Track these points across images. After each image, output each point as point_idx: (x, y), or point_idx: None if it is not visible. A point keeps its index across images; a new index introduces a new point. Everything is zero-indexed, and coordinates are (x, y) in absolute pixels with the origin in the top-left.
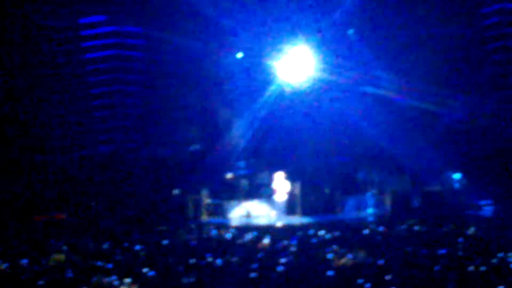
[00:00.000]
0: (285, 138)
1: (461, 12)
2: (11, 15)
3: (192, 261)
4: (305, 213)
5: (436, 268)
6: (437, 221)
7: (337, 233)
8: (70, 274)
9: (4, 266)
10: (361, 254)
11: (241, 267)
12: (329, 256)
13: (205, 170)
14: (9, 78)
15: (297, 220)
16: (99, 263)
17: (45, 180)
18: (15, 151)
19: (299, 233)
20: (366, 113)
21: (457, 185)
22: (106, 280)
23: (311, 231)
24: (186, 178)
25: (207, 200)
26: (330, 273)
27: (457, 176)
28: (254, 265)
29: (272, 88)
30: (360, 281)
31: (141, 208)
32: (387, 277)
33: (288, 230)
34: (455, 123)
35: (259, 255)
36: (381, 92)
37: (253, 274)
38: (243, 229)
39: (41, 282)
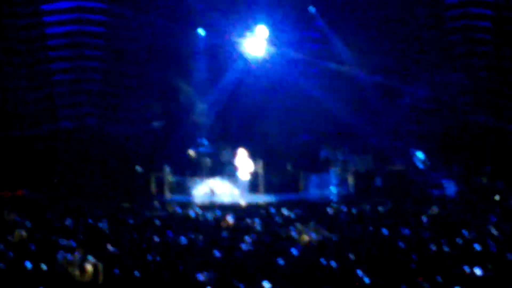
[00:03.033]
0: (248, 116)
1: None
2: None
3: (156, 239)
4: (268, 191)
5: (400, 247)
6: (401, 201)
7: (300, 212)
8: (33, 250)
9: None
10: (325, 233)
11: (205, 245)
12: (293, 234)
13: (168, 147)
14: None
15: (260, 198)
16: (63, 240)
17: (6, 155)
18: None
19: (263, 212)
20: (329, 90)
21: (420, 164)
22: (69, 256)
23: (274, 210)
24: (149, 155)
25: (170, 178)
26: (294, 251)
27: (420, 155)
28: (219, 244)
29: (235, 65)
30: (324, 259)
31: (104, 185)
32: (351, 256)
33: (252, 208)
34: (418, 102)
35: (223, 233)
36: (345, 69)
37: (217, 253)
38: (206, 207)
39: (5, 258)
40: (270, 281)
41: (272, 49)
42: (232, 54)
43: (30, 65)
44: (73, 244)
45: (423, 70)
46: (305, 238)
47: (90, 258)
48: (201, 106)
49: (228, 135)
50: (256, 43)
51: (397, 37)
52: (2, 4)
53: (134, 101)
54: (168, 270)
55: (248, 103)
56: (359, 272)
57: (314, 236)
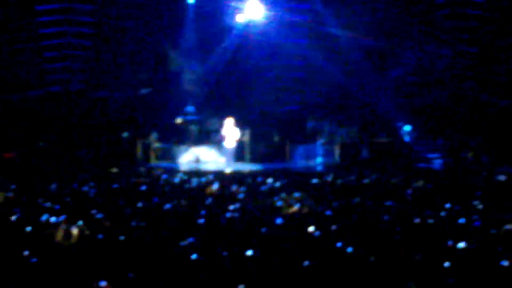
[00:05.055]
0: (236, 85)
1: None
2: None
3: (140, 204)
4: (254, 160)
5: (383, 219)
6: (386, 173)
7: (285, 181)
8: (18, 213)
9: None
10: (310, 203)
11: (189, 212)
12: (278, 204)
13: (155, 114)
14: None
15: (246, 167)
16: (47, 204)
17: None
18: None
19: (248, 180)
20: (317, 62)
21: (407, 137)
22: (54, 220)
23: (260, 179)
24: (136, 121)
25: (156, 144)
26: (278, 220)
27: (407, 128)
28: (203, 211)
29: (225, 33)
30: (307, 229)
31: (90, 150)
32: (334, 227)
33: (237, 177)
34: (407, 74)
35: (208, 201)
36: (333, 39)
37: (201, 220)
38: (191, 174)
39: None
40: (253, 249)
41: (265, 17)
42: (224, 21)
43: (18, 29)
44: (58, 208)
45: (411, 43)
46: (289, 208)
47: (75, 222)
48: (189, 74)
49: (216, 104)
50: (249, 10)
51: (387, 11)
52: None
53: (122, 68)
54: (152, 235)
55: (235, 72)
56: (340, 243)
57: (298, 206)
